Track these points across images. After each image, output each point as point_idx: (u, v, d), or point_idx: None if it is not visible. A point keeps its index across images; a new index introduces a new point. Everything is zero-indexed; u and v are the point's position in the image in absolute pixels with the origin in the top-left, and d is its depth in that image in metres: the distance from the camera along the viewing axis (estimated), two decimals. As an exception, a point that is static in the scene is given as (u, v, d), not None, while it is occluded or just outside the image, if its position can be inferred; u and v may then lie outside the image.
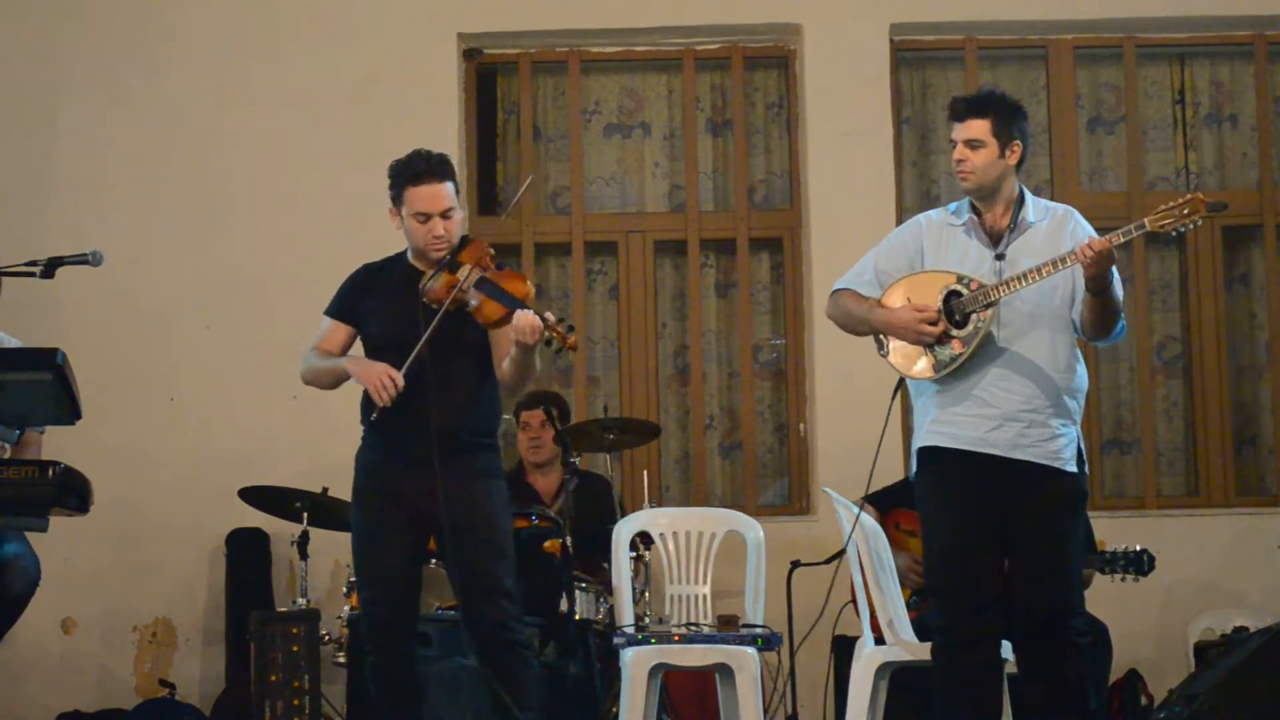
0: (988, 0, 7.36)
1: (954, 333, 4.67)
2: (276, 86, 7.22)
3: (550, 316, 4.62)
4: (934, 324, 4.66)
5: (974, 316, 4.65)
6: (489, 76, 7.58)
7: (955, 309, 4.67)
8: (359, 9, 7.30)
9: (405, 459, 4.81)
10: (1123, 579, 5.66)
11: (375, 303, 4.94)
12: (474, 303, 4.75)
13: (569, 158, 7.48)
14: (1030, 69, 7.53)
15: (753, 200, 7.48)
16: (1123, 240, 4.50)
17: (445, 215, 4.84)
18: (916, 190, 7.49)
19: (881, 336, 4.83)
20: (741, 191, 7.43)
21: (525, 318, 4.60)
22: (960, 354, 4.66)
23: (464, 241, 4.89)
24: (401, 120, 7.15)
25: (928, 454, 4.76)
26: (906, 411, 7.20)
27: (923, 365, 4.73)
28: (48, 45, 7.24)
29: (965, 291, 4.66)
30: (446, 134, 7.18)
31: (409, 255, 4.97)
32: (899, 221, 7.23)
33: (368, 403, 4.90)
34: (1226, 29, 7.44)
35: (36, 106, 7.23)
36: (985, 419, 4.66)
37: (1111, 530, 6.52)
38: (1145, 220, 4.50)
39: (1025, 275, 4.59)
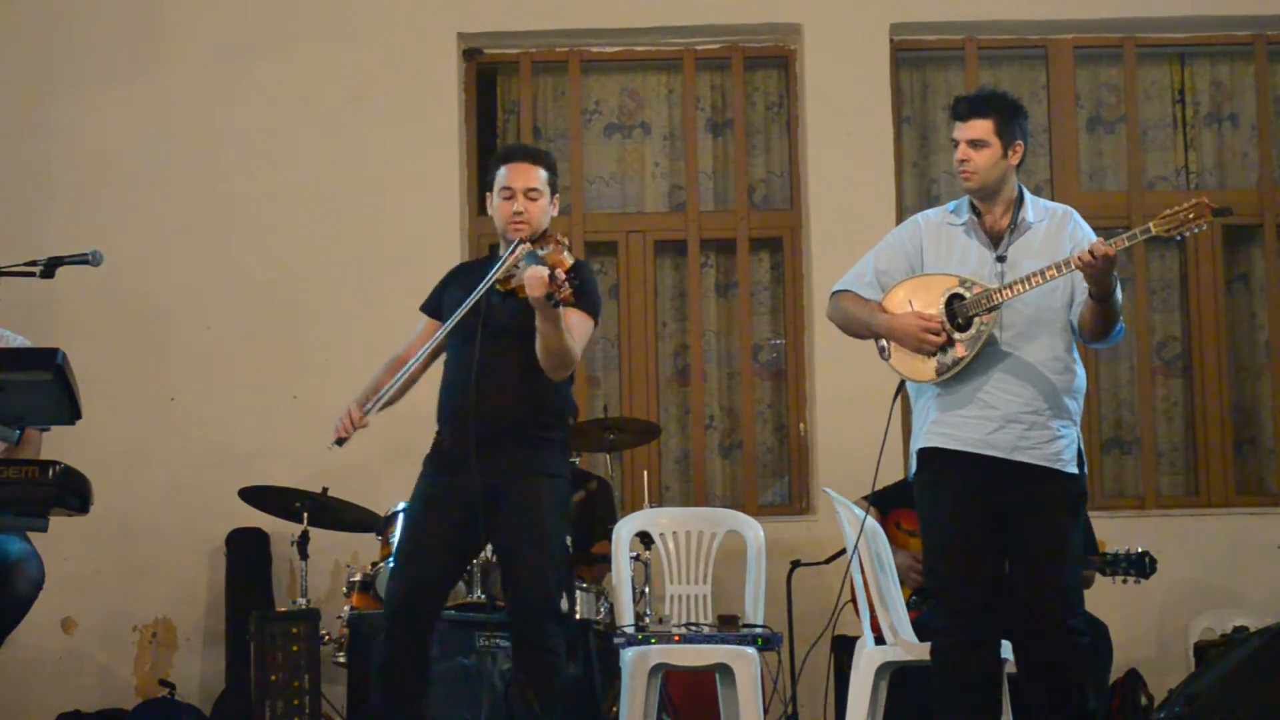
0: (988, 0, 7.36)
1: (956, 336, 4.67)
2: (276, 86, 7.22)
3: (560, 274, 4.55)
4: (936, 333, 4.66)
5: (977, 320, 4.65)
6: (489, 76, 7.58)
7: (958, 312, 4.67)
8: (359, 9, 7.30)
9: (454, 450, 4.77)
10: (1123, 580, 5.66)
11: (453, 292, 4.93)
12: (519, 271, 4.70)
13: (569, 158, 7.48)
14: (1030, 69, 7.53)
15: (753, 200, 7.48)
16: (1127, 245, 4.49)
17: (529, 196, 4.86)
18: (916, 190, 7.49)
19: (883, 340, 4.82)
20: (741, 191, 7.43)
21: (532, 274, 4.56)
22: (963, 357, 4.66)
23: (545, 233, 4.87)
24: (401, 120, 7.16)
25: (928, 455, 4.76)
26: (906, 412, 7.21)
27: (925, 369, 4.72)
28: (48, 46, 7.24)
29: (968, 295, 4.66)
30: (446, 134, 7.19)
31: (502, 248, 4.95)
32: (899, 222, 7.23)
33: (438, 405, 4.90)
34: (1226, 29, 7.44)
35: (36, 107, 7.23)
36: (987, 420, 4.66)
37: (1111, 530, 6.53)
38: (1150, 224, 4.49)
39: (1029, 279, 4.58)
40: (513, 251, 4.78)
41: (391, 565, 5.05)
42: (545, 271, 4.54)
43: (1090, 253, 4.44)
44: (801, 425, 7.32)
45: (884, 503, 5.90)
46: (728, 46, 7.48)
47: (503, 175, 4.91)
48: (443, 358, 4.98)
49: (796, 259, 7.37)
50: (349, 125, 7.18)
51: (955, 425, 4.70)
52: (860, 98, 7.25)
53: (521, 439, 4.78)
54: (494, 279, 4.74)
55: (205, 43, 7.26)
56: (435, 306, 5.02)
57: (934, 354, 4.69)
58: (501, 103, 7.61)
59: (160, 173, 7.20)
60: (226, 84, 7.24)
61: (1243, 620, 6.52)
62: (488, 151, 7.54)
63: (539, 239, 4.83)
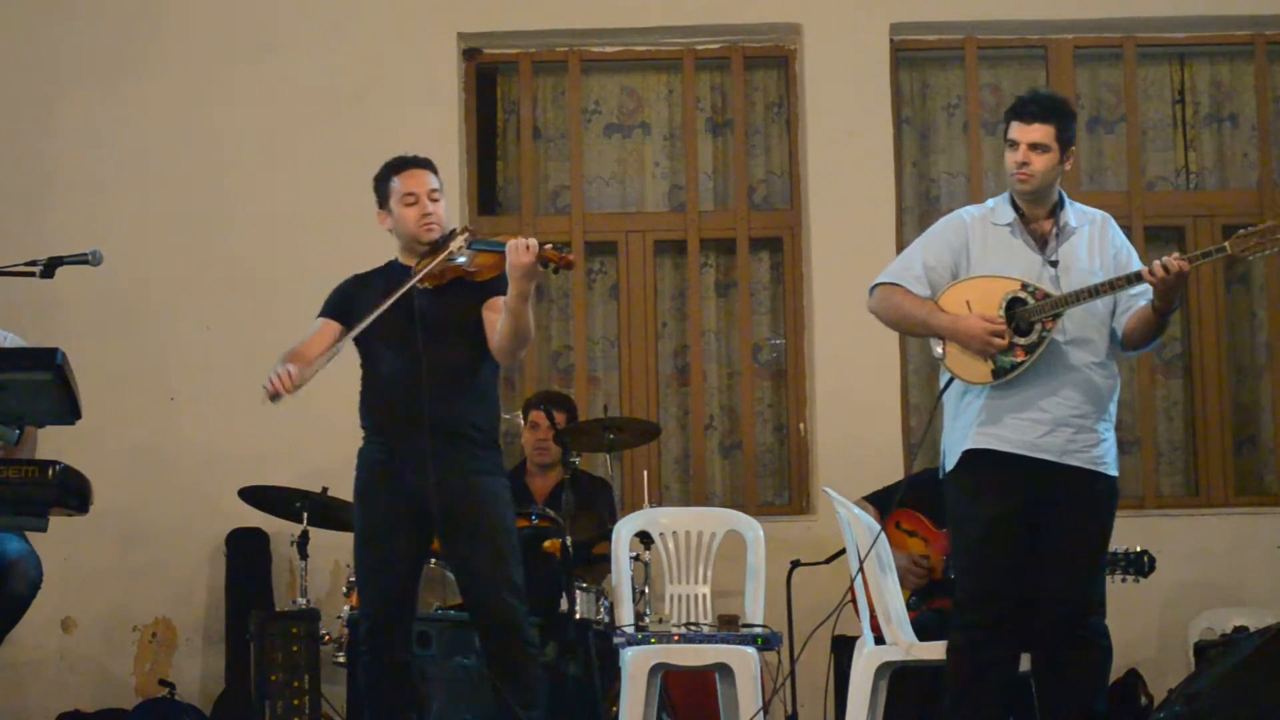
0: (988, 0, 7.36)
1: (1017, 340, 4.66)
2: (276, 86, 7.22)
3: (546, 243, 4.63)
4: (1002, 335, 4.66)
5: (1038, 325, 4.64)
6: (489, 76, 7.58)
7: (1018, 316, 4.66)
8: (359, 9, 7.30)
9: (403, 456, 4.80)
10: (1123, 580, 5.66)
11: (366, 299, 4.93)
12: (463, 260, 4.75)
13: (569, 158, 7.48)
14: (1030, 69, 7.53)
15: (753, 200, 7.48)
16: (1200, 261, 4.51)
17: (433, 198, 4.91)
18: (916, 190, 7.49)
19: (938, 340, 4.80)
20: (741, 191, 7.43)
21: (517, 242, 4.60)
22: (1022, 361, 4.66)
23: (454, 232, 4.90)
24: (401, 120, 7.15)
25: (973, 456, 4.75)
26: (907, 410, 7.22)
27: (982, 371, 4.71)
28: (48, 45, 7.24)
29: (1031, 300, 4.66)
30: (446, 134, 7.18)
31: (399, 257, 4.99)
32: (898, 221, 7.26)
33: (363, 404, 4.91)
34: (1226, 29, 7.44)
35: (36, 106, 7.23)
36: (1037, 424, 4.67)
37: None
38: (1226, 244, 4.54)
39: (1097, 289, 4.61)
40: (450, 240, 4.80)
41: (358, 585, 5.05)
42: (527, 239, 4.58)
43: (1164, 268, 4.45)
44: (801, 425, 7.31)
45: (884, 503, 5.90)
46: (728, 46, 7.48)
47: (399, 184, 4.93)
48: (340, 361, 4.93)
49: (796, 259, 7.37)
50: (349, 125, 7.18)
51: (1006, 427, 4.70)
52: (860, 98, 7.24)
53: (465, 435, 4.81)
54: (429, 271, 4.74)
55: (205, 43, 7.26)
56: (341, 311, 4.97)
57: (993, 357, 4.68)
58: (501, 103, 7.60)
59: (160, 172, 7.19)
60: (226, 84, 7.24)
61: (1243, 620, 6.51)
62: (488, 151, 7.55)
63: (449, 237, 4.85)
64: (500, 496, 4.86)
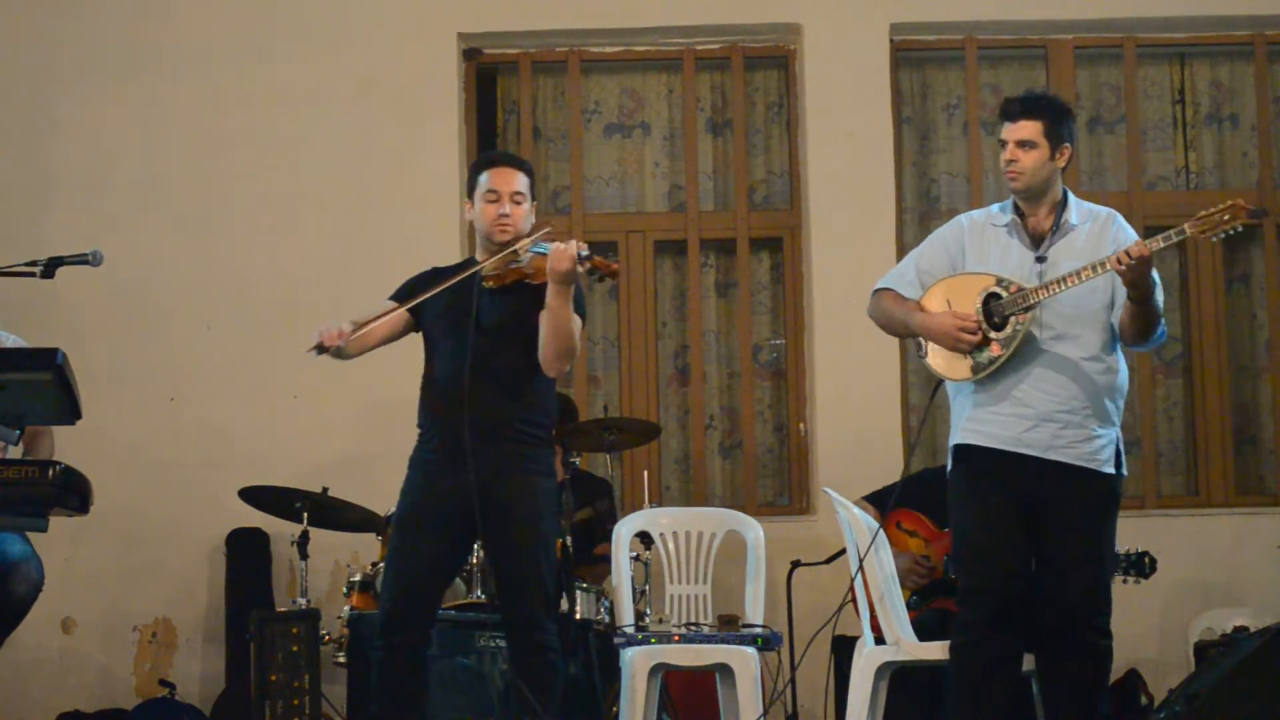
0: (988, 0, 7.36)
1: (992, 335, 4.68)
2: (277, 87, 7.22)
3: (586, 249, 4.65)
4: (973, 333, 4.67)
5: (1013, 319, 4.66)
6: (489, 76, 7.58)
7: (994, 311, 4.68)
8: (359, 9, 7.30)
9: (448, 454, 4.78)
10: (1124, 580, 5.66)
11: (434, 288, 4.93)
12: (523, 262, 4.76)
13: (569, 158, 7.48)
14: (1030, 69, 7.53)
15: (753, 200, 7.48)
16: (1162, 246, 4.50)
17: (514, 200, 4.90)
18: (916, 190, 7.50)
19: (921, 339, 4.82)
20: (741, 191, 7.43)
21: (558, 246, 4.63)
22: (998, 356, 4.67)
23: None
24: (401, 120, 7.16)
25: (962, 451, 4.78)
26: (907, 410, 7.22)
27: (961, 368, 4.73)
28: (49, 45, 7.25)
29: (1004, 294, 4.67)
30: (446, 134, 7.19)
31: (478, 253, 4.99)
32: (898, 221, 7.27)
33: (420, 401, 4.92)
34: (1226, 29, 7.45)
35: (37, 106, 7.23)
36: (1021, 419, 4.67)
37: (1111, 530, 6.52)
38: (1185, 226, 4.51)
39: (1065, 279, 4.60)
40: (513, 245, 4.81)
41: (384, 574, 5.04)
42: (573, 246, 4.58)
43: (1127, 254, 4.45)
44: (801, 425, 7.32)
45: (884, 503, 5.90)
46: (728, 46, 7.48)
47: (486, 180, 4.93)
48: (397, 345, 4.98)
49: (796, 259, 7.37)
50: (349, 125, 7.18)
51: (989, 423, 4.72)
52: (860, 98, 7.25)
53: (515, 436, 4.80)
54: (491, 269, 4.77)
55: (205, 43, 7.26)
56: (409, 297, 4.97)
57: (970, 353, 4.69)
58: (501, 103, 7.60)
59: (160, 173, 7.20)
60: (226, 84, 7.24)
61: (1243, 620, 6.52)
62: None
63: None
64: (540, 500, 4.82)
